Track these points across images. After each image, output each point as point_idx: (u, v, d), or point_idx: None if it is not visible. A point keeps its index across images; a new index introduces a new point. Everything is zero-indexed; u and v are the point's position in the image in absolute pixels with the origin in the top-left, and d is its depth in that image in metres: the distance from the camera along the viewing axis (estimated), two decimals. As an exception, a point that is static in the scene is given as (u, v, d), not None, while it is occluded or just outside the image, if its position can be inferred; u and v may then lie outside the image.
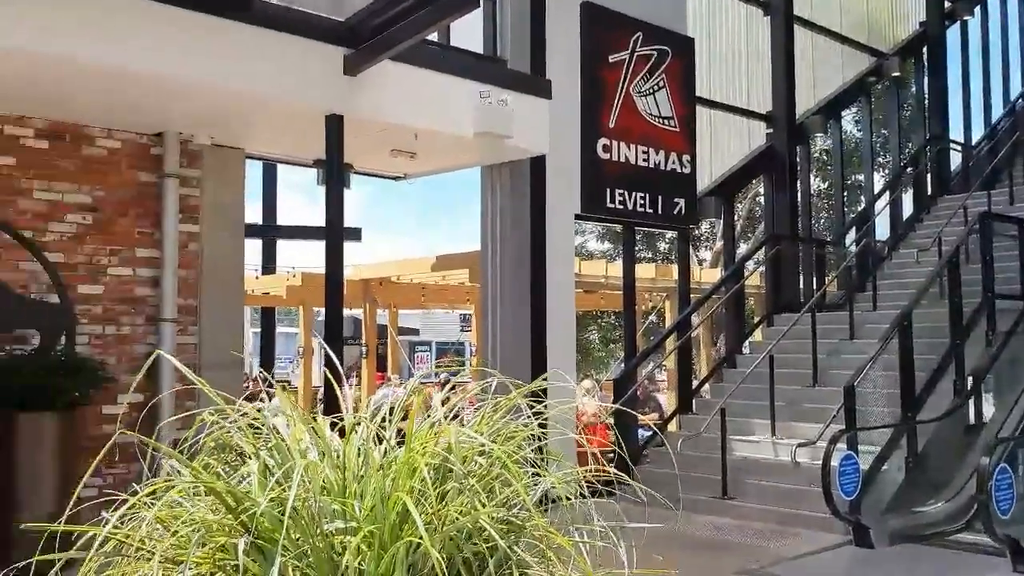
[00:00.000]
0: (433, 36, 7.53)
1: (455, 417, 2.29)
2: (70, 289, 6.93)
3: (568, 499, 2.21)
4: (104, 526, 1.89)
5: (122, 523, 1.90)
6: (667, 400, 13.37)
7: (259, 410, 2.13)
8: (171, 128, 7.28)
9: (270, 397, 2.39)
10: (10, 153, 6.73)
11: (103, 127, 7.14)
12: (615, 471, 2.41)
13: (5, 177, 6.70)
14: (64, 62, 5.68)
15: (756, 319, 12.68)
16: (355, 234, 10.56)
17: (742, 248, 18.87)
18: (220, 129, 7.44)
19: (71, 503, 2.04)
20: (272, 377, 5.29)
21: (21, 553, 1.98)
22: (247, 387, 8.70)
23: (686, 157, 10.35)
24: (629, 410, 7.70)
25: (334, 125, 6.95)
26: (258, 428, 2.17)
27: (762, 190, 14.35)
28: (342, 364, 9.09)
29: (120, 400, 6.93)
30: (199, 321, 7.57)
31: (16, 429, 6.16)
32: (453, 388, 2.87)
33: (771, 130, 12.45)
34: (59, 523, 1.91)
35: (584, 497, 2.26)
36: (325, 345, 5.99)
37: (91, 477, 6.67)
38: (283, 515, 1.75)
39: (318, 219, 7.11)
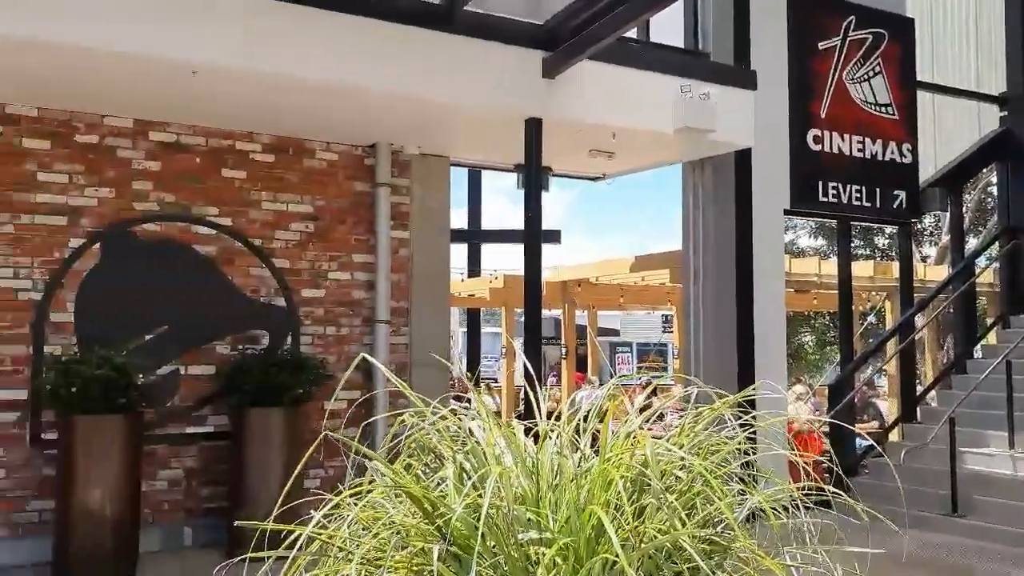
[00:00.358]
0: (631, 33, 7.41)
1: (658, 420, 2.20)
2: (295, 293, 7.42)
3: (778, 517, 2.06)
4: (309, 525, 1.94)
5: (328, 522, 1.96)
6: (888, 407, 12.49)
7: (454, 412, 2.14)
8: (383, 139, 7.62)
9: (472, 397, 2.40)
10: (242, 167, 7.29)
11: (322, 140, 7.59)
12: (831, 489, 2.22)
13: (237, 190, 7.27)
14: (286, 80, 6.07)
15: (989, 320, 11.59)
16: (554, 236, 10.61)
17: (971, 243, 17.33)
18: (426, 139, 7.71)
19: (279, 497, 2.12)
20: (478, 376, 5.38)
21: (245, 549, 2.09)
22: (454, 385, 8.95)
23: (906, 146, 9.62)
24: (844, 421, 7.22)
25: (532, 129, 7.00)
26: (455, 430, 2.18)
27: (994, 179, 13.09)
28: (541, 365, 9.17)
29: (339, 397, 7.36)
30: (410, 322, 7.89)
31: (247, 423, 6.67)
32: (654, 392, 2.77)
33: (1006, 113, 11.32)
34: (270, 520, 1.99)
35: (795, 514, 2.10)
36: (519, 347, 6.02)
37: (314, 469, 7.11)
38: (478, 522, 1.73)
39: (520, 223, 7.18)
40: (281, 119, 7.06)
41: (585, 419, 2.18)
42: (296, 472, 2.26)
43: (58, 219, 6.62)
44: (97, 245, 6.75)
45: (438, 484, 2.02)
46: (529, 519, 1.86)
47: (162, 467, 6.90)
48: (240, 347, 7.12)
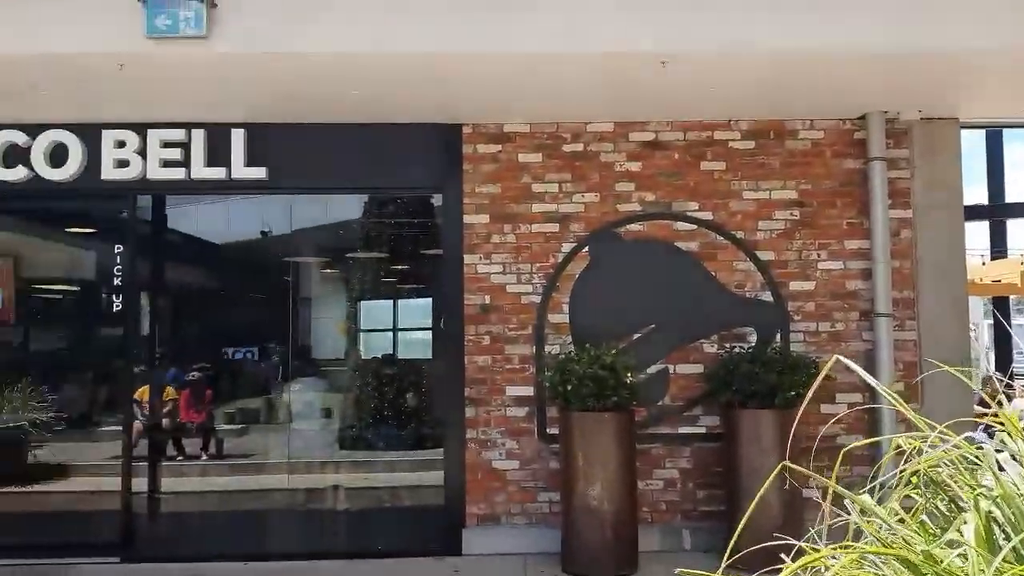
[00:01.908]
0: None
1: None
2: (782, 286, 6.92)
3: None
4: (791, 556, 1.54)
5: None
6: None
7: (969, 439, 1.54)
8: (874, 107, 6.76)
9: (1005, 402, 1.76)
10: (721, 158, 7.00)
11: (805, 118, 6.98)
12: None
13: (717, 182, 7.00)
14: (779, 55, 5.62)
15: None
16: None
17: None
18: (929, 100, 6.64)
19: (775, 504, 1.73)
20: (1010, 377, 4.38)
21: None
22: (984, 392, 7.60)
23: None
24: None
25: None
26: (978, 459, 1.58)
27: None
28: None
29: (839, 400, 6.69)
30: (917, 315, 6.88)
31: (738, 425, 6.34)
32: None
33: None
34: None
35: None
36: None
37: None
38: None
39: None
40: (761, 101, 6.61)
41: None
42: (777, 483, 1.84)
43: (551, 226, 6.97)
44: (586, 249, 6.98)
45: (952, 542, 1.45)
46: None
47: (657, 467, 6.88)
48: (728, 345, 6.82)
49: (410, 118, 6.78)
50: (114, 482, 7.06)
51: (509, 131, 7.00)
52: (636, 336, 6.91)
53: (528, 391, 6.90)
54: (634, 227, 7.00)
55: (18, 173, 6.75)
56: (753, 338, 6.89)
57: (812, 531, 1.81)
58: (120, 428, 7.50)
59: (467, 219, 6.95)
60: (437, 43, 5.40)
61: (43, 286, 9.96)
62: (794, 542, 1.68)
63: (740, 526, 1.67)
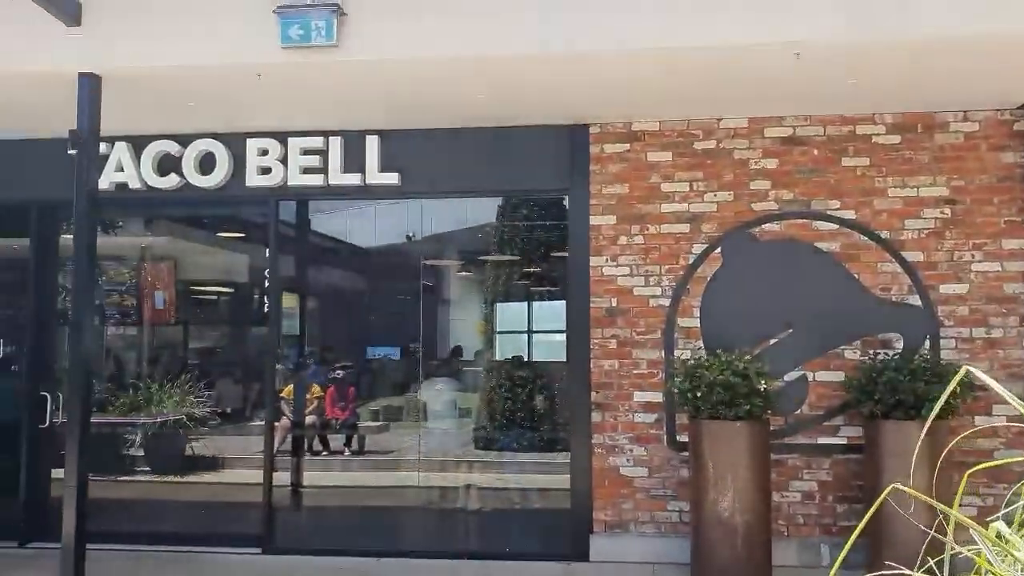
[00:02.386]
0: None
1: None
2: (931, 289, 6.48)
3: None
4: None
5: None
6: None
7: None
8: (1037, 96, 6.23)
9: None
10: (864, 154, 6.63)
11: (957, 110, 6.51)
12: None
13: (859, 178, 6.62)
14: (929, 41, 5.27)
15: None
16: None
17: None
18: (1102, 85, 6.05)
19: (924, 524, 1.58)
20: None
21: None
22: None
23: None
24: None
25: None
26: None
27: None
28: None
29: (996, 411, 6.21)
30: (1090, 321, 6.29)
31: (881, 437, 5.98)
32: None
33: None
34: None
35: None
36: None
37: (968, 496, 6.08)
38: None
39: None
40: (909, 92, 6.21)
41: None
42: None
43: (681, 227, 6.79)
44: (718, 250, 6.75)
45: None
46: None
47: (794, 479, 6.58)
48: (871, 352, 6.44)
49: (536, 120, 6.76)
50: (260, 476, 7.34)
51: (637, 130, 6.86)
52: (772, 342, 6.63)
53: (656, 397, 6.74)
54: (770, 227, 6.72)
55: (171, 180, 7.15)
56: (900, 344, 6.47)
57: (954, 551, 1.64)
58: (279, 422, 7.85)
59: (593, 220, 6.86)
60: (557, 43, 5.34)
61: (197, 287, 10.58)
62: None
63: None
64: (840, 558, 1.82)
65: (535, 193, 7.54)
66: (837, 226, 6.62)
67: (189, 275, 9.71)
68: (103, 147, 7.06)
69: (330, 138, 7.03)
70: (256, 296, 8.76)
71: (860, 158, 6.63)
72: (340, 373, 10.03)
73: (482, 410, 9.32)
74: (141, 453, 9.21)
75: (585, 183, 6.89)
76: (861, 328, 6.56)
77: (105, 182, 7.13)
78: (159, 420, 9.10)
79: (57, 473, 6.53)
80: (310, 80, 5.89)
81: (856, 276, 6.58)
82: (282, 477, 7.68)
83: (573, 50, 5.35)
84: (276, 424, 7.97)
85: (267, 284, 7.57)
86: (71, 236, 8.82)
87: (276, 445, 8.00)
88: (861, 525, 1.83)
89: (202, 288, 10.76)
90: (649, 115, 6.77)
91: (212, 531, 7.41)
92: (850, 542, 1.76)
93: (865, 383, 6.15)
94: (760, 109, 6.61)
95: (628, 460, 6.75)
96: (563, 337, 7.16)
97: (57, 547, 5.66)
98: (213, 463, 9.02)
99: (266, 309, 7.66)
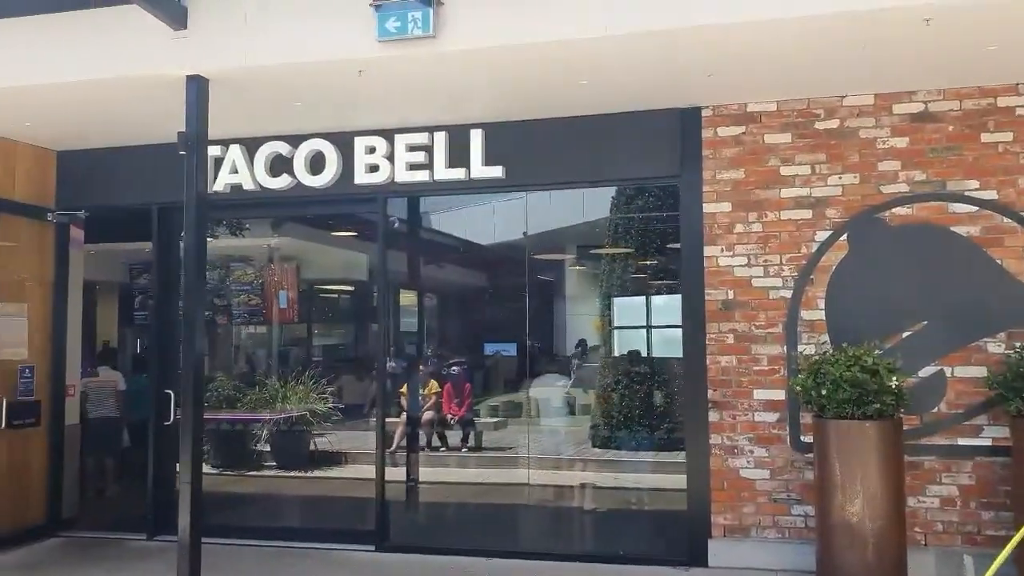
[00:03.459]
0: None
1: None
2: (1089, 275, 5.83)
3: None
4: None
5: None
6: None
7: None
8: None
9: None
10: (1007, 128, 6.05)
11: (1112, 75, 5.84)
12: None
13: (1001, 156, 6.05)
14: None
15: None
16: None
17: None
18: None
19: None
20: None
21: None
22: None
23: None
24: None
25: None
26: None
27: None
28: None
29: None
30: None
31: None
32: None
33: None
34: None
35: None
36: None
37: None
38: None
39: None
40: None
41: None
42: None
43: (803, 213, 6.37)
44: (844, 236, 6.30)
45: None
46: None
47: (932, 483, 6.07)
48: (1017, 345, 5.85)
49: (643, 105, 6.48)
50: (375, 472, 7.34)
51: (753, 111, 6.48)
52: (905, 335, 6.14)
53: (778, 395, 6.35)
54: (901, 211, 6.22)
55: (283, 181, 7.25)
56: (1052, 337, 5.87)
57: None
58: (396, 419, 7.89)
59: (707, 208, 6.52)
60: (671, 18, 5.04)
61: (318, 286, 10.80)
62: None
63: None
64: (992, 572, 1.53)
65: (643, 182, 7.30)
66: (976, 208, 6.06)
67: (310, 275, 9.92)
68: (218, 150, 7.29)
69: (435, 133, 6.96)
70: (373, 294, 8.78)
71: (1002, 133, 6.05)
72: (456, 369, 10.03)
73: (599, 407, 9.11)
74: (267, 448, 9.47)
75: (697, 169, 6.56)
76: (1005, 319, 5.98)
77: (220, 184, 7.33)
78: (283, 416, 9.33)
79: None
80: (410, 73, 5.82)
81: (999, 262, 6.00)
82: (399, 474, 7.69)
83: (689, 23, 5.03)
84: (396, 420, 8.01)
85: (386, 281, 7.56)
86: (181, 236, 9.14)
87: (396, 441, 8.04)
88: (1018, 537, 1.52)
89: (322, 287, 10.99)
90: (766, 96, 6.38)
91: (328, 527, 7.50)
92: (1003, 555, 1.47)
93: (1011, 379, 5.61)
94: (887, 84, 6.11)
95: (748, 462, 6.39)
96: (677, 332, 6.84)
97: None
98: (334, 459, 9.17)
99: (383, 306, 7.67)
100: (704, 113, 6.56)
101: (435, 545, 7.00)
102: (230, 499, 8.27)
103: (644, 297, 9.40)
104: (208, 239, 5.98)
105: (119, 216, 8.06)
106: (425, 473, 8.20)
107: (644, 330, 9.41)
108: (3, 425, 7.12)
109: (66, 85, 6.01)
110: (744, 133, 6.49)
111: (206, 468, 9.19)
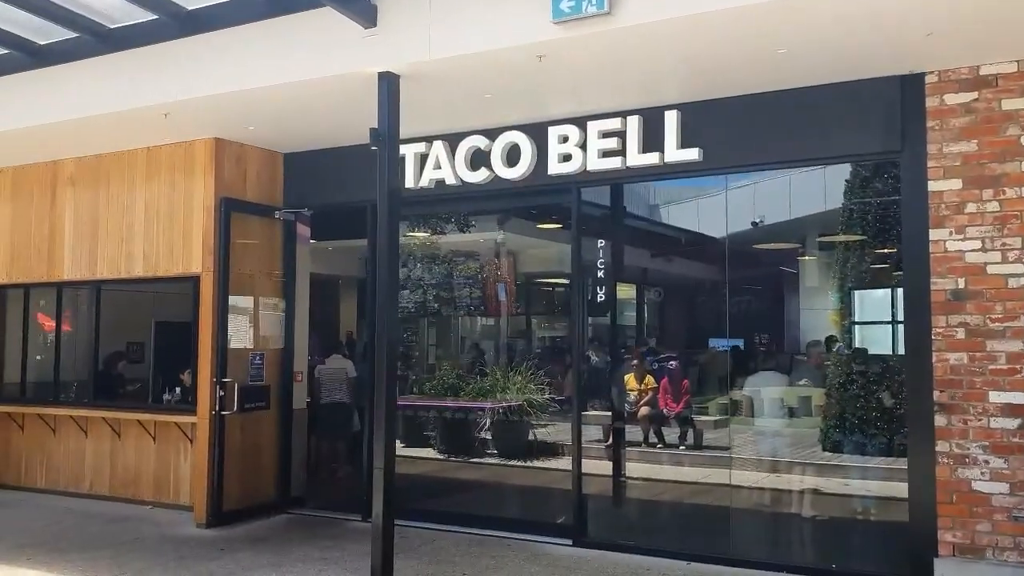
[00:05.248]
0: None
1: None
2: None
3: None
4: None
5: None
6: None
7: None
8: None
9: None
10: None
11: None
12: None
13: None
14: None
15: None
16: None
17: None
18: None
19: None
20: None
21: None
22: None
23: None
24: None
25: None
26: None
27: None
28: None
29: None
30: None
31: None
32: None
33: None
34: None
35: None
36: None
37: None
38: None
39: None
40: None
41: None
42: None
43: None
44: (1105, 214, 5.33)
45: None
46: None
47: None
48: None
49: (852, 74, 5.85)
50: (592, 465, 7.22)
51: (987, 74, 5.64)
52: None
53: (1020, 398, 5.49)
54: None
55: (481, 174, 7.32)
56: None
57: None
58: (607, 412, 7.79)
59: (932, 186, 5.77)
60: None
61: (534, 278, 10.87)
62: None
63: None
64: None
65: (854, 159, 6.59)
66: None
67: (525, 267, 10.00)
68: (423, 147, 7.49)
69: (628, 118, 6.71)
70: (589, 286, 8.68)
71: None
72: (674, 364, 9.68)
73: (819, 409, 8.41)
74: (489, 436, 9.66)
75: (921, 142, 5.83)
76: None
77: (425, 180, 7.54)
78: (502, 406, 9.47)
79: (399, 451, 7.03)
80: (592, 56, 5.63)
81: None
82: (605, 468, 7.51)
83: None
84: (606, 414, 7.84)
85: (604, 274, 7.40)
86: (406, 233, 9.51)
87: (609, 435, 7.86)
88: None
89: (538, 279, 11.06)
90: (1004, 54, 5.53)
91: (528, 518, 7.48)
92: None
93: None
94: None
95: (983, 473, 5.59)
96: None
97: (398, 523, 6.01)
98: (552, 450, 9.17)
99: (601, 299, 7.50)
100: (928, 79, 5.81)
101: (634, 544, 6.76)
102: (444, 485, 8.50)
103: (887, 289, 8.58)
104: (432, 234, 6.09)
105: (342, 212, 8.51)
106: (633, 469, 7.97)
107: (888, 325, 8.58)
108: (236, 408, 7.74)
109: (271, 88, 6.41)
110: (976, 100, 5.67)
111: (433, 454, 9.61)
